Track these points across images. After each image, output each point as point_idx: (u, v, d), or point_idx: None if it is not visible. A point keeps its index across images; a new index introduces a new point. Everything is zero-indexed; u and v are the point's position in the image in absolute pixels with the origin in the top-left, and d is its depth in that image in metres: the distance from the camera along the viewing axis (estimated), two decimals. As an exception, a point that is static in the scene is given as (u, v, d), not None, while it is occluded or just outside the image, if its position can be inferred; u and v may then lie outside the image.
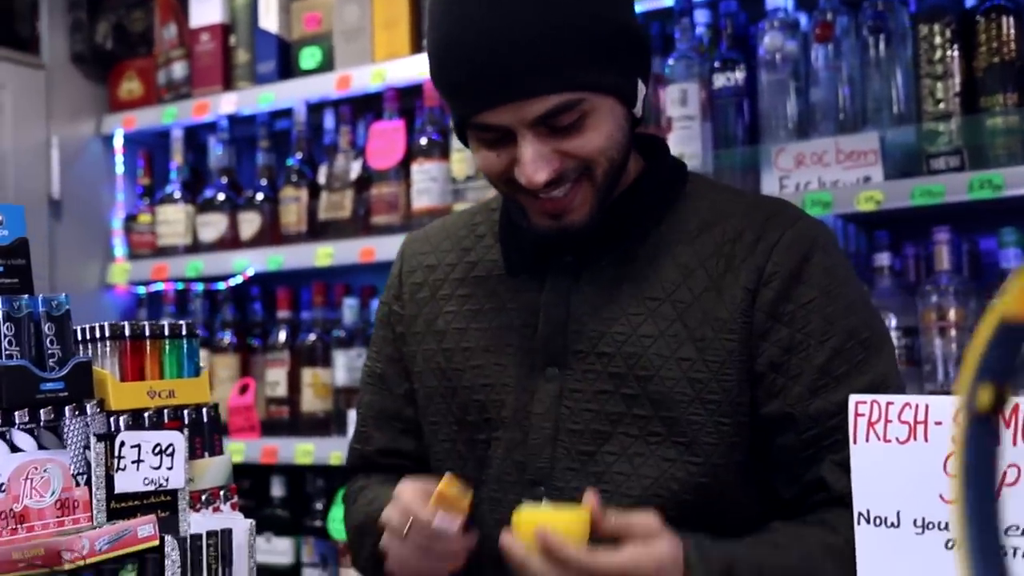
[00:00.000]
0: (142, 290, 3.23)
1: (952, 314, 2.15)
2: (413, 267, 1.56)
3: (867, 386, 1.31)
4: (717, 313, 1.36)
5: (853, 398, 1.08)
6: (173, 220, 3.09)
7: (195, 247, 3.07)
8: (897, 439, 1.06)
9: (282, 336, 2.94)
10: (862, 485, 1.10)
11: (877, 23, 2.21)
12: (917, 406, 1.06)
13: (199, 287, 3.11)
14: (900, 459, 1.06)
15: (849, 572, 1.18)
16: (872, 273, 2.26)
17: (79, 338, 1.26)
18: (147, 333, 1.30)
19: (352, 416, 2.70)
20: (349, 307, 2.82)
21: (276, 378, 2.91)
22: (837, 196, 2.16)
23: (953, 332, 2.15)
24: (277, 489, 2.92)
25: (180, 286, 3.16)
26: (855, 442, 1.09)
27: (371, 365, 1.60)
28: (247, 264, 2.93)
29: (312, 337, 2.89)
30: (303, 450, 2.76)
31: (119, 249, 3.23)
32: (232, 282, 3.06)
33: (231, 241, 3.01)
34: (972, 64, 2.13)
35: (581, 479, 1.36)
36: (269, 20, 2.93)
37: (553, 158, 1.31)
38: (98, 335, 1.27)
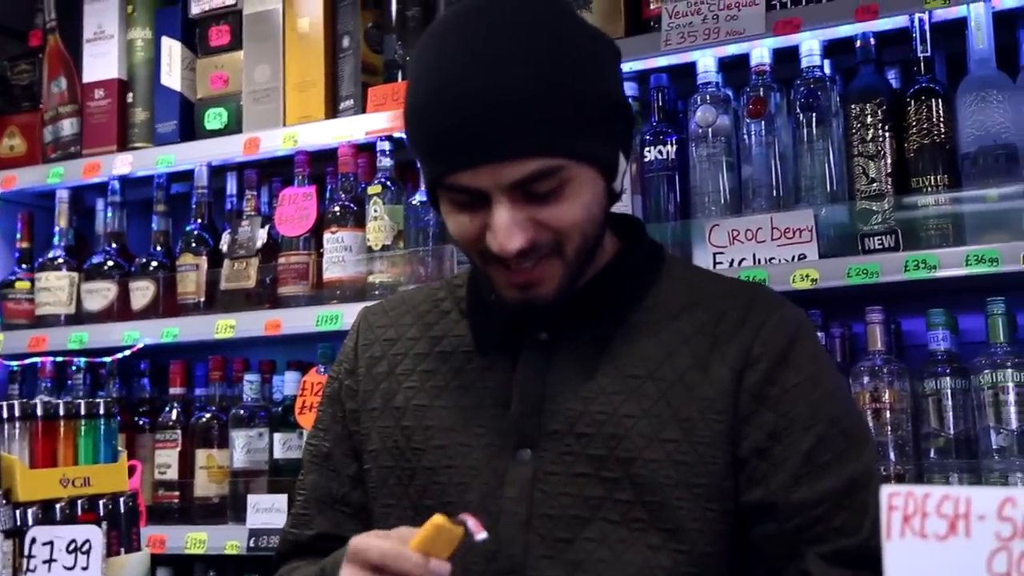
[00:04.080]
0: (15, 364, 2.97)
1: (887, 396, 2.11)
2: (370, 340, 1.47)
3: (850, 478, 1.29)
4: (703, 393, 1.30)
5: (886, 489, 0.99)
6: (55, 287, 2.86)
7: (79, 317, 2.85)
8: (936, 535, 0.96)
9: (174, 414, 2.73)
10: (897, 586, 0.99)
11: (809, 101, 2.20)
12: (958, 499, 0.97)
13: (80, 361, 2.87)
14: (939, 557, 0.96)
15: None
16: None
17: (-19, 417, 1.09)
18: (61, 413, 1.15)
19: (251, 501, 2.51)
20: (249, 383, 2.63)
21: (166, 460, 2.69)
22: (772, 273, 2.12)
23: (888, 414, 2.10)
24: (164, 582, 2.68)
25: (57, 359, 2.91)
26: (888, 538, 0.99)
27: (316, 444, 1.48)
28: (138, 336, 2.72)
29: (207, 416, 2.69)
30: (195, 539, 2.55)
31: (-8, 318, 2.98)
32: (119, 356, 2.83)
33: (120, 311, 2.79)
34: (903, 145, 2.13)
35: (558, 567, 1.27)
36: (171, 78, 2.77)
37: (528, 226, 1.25)
38: (5, 415, 1.10)
